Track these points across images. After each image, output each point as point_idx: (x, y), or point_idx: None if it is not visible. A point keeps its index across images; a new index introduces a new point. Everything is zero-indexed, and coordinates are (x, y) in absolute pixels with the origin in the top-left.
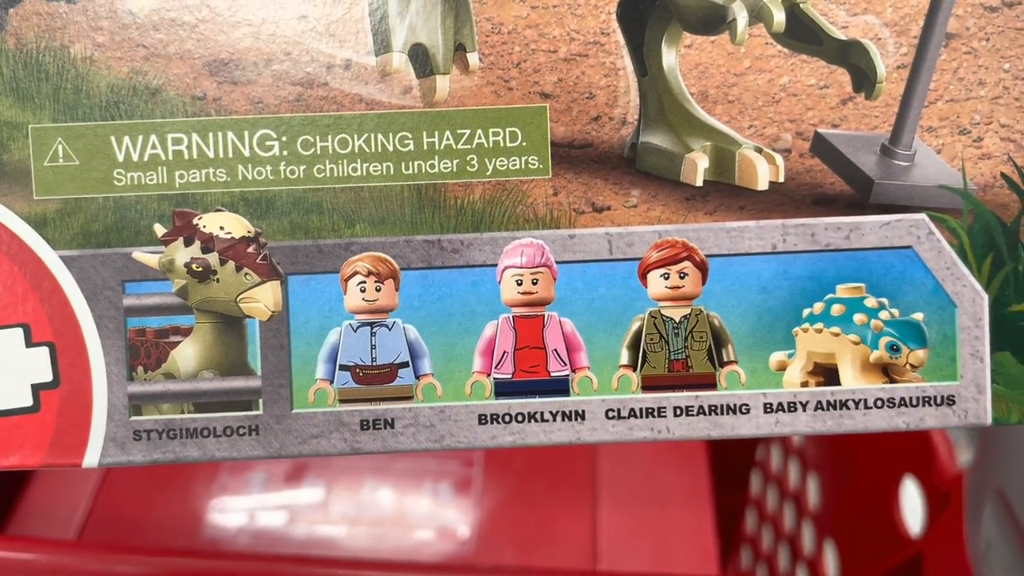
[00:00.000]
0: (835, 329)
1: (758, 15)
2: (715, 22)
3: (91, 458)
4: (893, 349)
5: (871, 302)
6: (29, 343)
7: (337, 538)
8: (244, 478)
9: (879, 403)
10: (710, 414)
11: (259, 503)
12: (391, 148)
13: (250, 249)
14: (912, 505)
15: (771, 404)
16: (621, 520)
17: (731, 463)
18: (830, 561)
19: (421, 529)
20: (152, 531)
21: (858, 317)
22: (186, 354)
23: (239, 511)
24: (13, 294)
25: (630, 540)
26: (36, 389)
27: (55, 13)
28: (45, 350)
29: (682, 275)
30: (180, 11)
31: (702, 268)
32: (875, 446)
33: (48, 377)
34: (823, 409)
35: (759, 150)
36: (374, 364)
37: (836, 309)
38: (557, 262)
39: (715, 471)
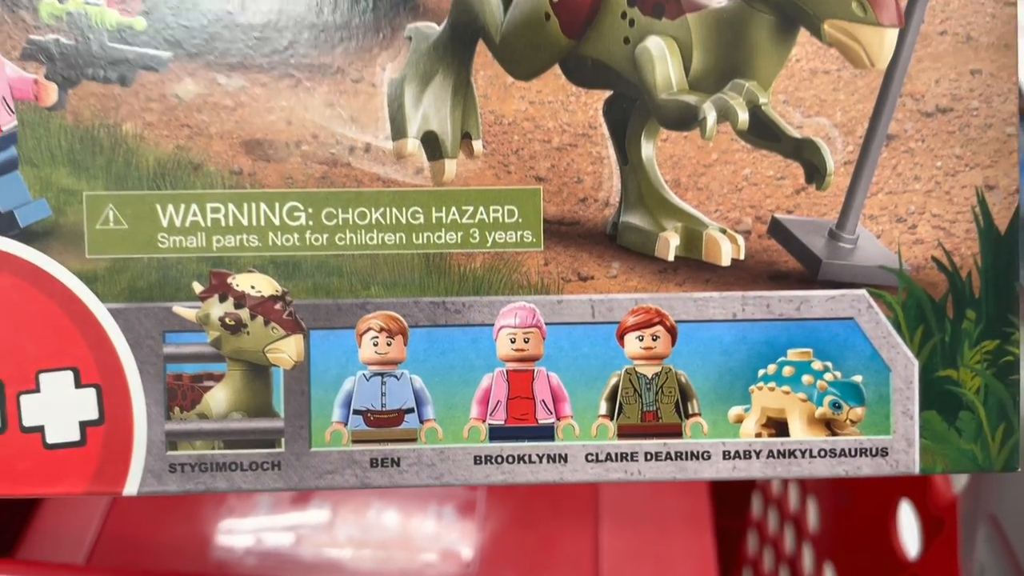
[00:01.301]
0: (786, 388)
1: (725, 115)
2: (688, 120)
3: (131, 487)
4: (835, 407)
5: (817, 365)
6: (78, 384)
7: (343, 560)
8: (251, 500)
9: (822, 453)
10: (676, 459)
11: (266, 525)
12: (404, 221)
13: (277, 306)
14: (909, 529)
15: (729, 451)
16: (622, 542)
17: (732, 486)
18: None
19: (425, 552)
20: (161, 554)
21: (806, 378)
22: (218, 397)
23: (246, 533)
24: (65, 341)
25: (631, 562)
26: (83, 425)
27: (110, 94)
28: (92, 391)
29: (655, 337)
30: (221, 96)
31: (672, 332)
32: None
33: (94, 415)
34: (774, 457)
35: (723, 231)
36: (384, 409)
37: (787, 370)
38: (546, 323)
39: (716, 494)
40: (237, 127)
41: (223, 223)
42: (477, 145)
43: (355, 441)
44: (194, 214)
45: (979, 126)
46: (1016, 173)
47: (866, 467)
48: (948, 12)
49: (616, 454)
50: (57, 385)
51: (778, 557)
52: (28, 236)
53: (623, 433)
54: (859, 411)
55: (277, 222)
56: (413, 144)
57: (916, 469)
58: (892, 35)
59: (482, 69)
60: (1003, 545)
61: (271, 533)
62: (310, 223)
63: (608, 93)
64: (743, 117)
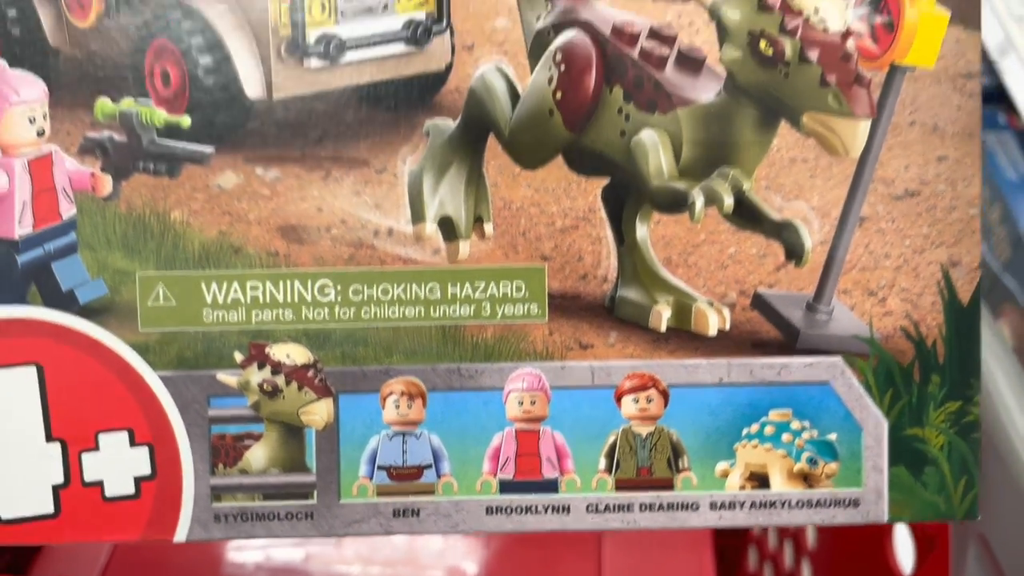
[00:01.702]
0: (767, 445)
1: (712, 199)
2: (679, 204)
3: (180, 535)
4: (812, 462)
5: (796, 425)
6: (133, 444)
7: None
8: None
9: (800, 504)
10: (669, 510)
11: (276, 541)
12: (422, 296)
13: (309, 373)
14: (903, 546)
15: (716, 503)
16: (625, 560)
17: None
18: None
19: (432, 569)
20: (173, 571)
21: (785, 436)
22: (257, 455)
23: (256, 549)
24: (121, 405)
25: None
26: (138, 480)
27: (159, 185)
28: (145, 450)
29: (649, 400)
30: (259, 186)
31: (664, 395)
32: None
33: (147, 471)
34: (756, 507)
35: (711, 304)
36: (405, 465)
37: (769, 430)
38: (551, 387)
39: None
40: (273, 214)
41: (261, 299)
42: (488, 228)
43: (379, 494)
44: (235, 291)
45: (944, 208)
46: (978, 251)
47: (840, 516)
48: (917, 104)
49: (614, 505)
50: (114, 444)
51: (777, 573)
52: (87, 312)
53: (620, 486)
54: (833, 466)
55: (309, 298)
56: (431, 228)
57: (885, 519)
58: (865, 126)
59: (493, 160)
60: (992, 564)
61: (281, 549)
62: (339, 298)
63: (606, 180)
64: (728, 202)
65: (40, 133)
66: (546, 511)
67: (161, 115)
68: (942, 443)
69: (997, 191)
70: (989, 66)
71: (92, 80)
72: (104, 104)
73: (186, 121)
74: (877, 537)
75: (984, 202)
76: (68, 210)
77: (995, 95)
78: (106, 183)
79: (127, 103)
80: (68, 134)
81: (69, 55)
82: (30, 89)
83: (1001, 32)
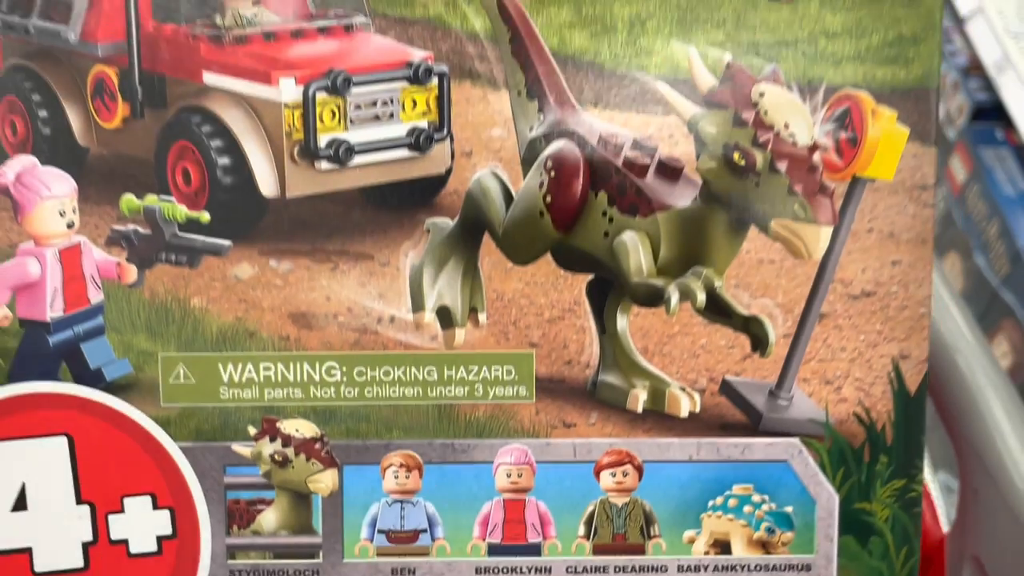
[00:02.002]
0: (730, 516)
1: (686, 295)
2: (655, 299)
3: None
4: (770, 531)
5: (756, 498)
6: (155, 507)
7: None
8: None
9: (758, 568)
10: (640, 572)
11: None
12: (420, 378)
13: (317, 446)
14: None
15: (683, 566)
16: None
17: None
18: None
19: None
20: None
21: (747, 508)
22: (268, 518)
23: None
24: (144, 472)
25: None
26: (160, 539)
27: (180, 274)
28: (167, 512)
29: (625, 474)
30: (272, 277)
31: (639, 470)
32: None
33: (169, 531)
34: (719, 571)
35: (683, 389)
36: (402, 530)
37: (732, 502)
38: (536, 461)
39: None
40: (285, 302)
41: (273, 379)
42: (482, 317)
43: (379, 554)
44: (249, 371)
45: (897, 307)
46: (926, 345)
47: None
48: (875, 213)
49: (591, 567)
50: (138, 507)
51: None
52: (114, 388)
53: (597, 551)
54: (789, 535)
55: (317, 378)
56: (430, 316)
57: None
58: (827, 232)
59: (487, 256)
60: None
61: None
62: (344, 379)
63: (590, 276)
64: (701, 298)
65: (70, 225)
66: (530, 572)
67: (182, 211)
68: (887, 516)
69: (995, 207)
70: (987, 82)
71: (118, 177)
72: (129, 200)
73: (205, 216)
74: None
75: (982, 218)
76: (96, 296)
77: (993, 111)
78: (131, 272)
79: (151, 199)
80: (96, 227)
81: (97, 154)
82: (61, 185)
83: (999, 49)
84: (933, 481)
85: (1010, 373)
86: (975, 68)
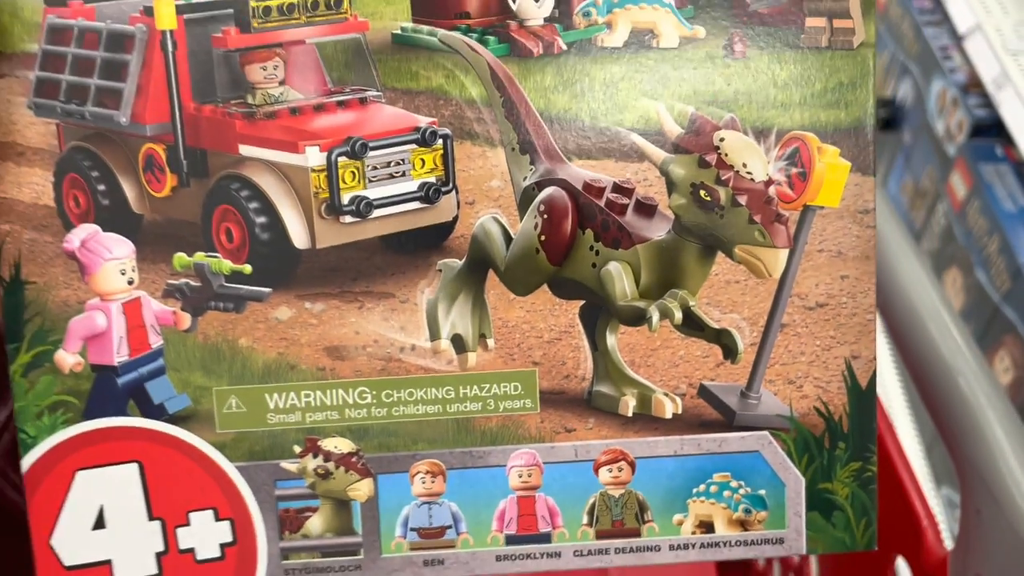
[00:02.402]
0: (712, 500)
1: (665, 314)
2: (639, 319)
3: None
4: (747, 511)
5: (734, 484)
6: (217, 519)
7: None
8: None
9: (739, 543)
10: (637, 551)
11: None
12: (440, 396)
13: (353, 459)
14: None
15: (673, 544)
16: None
17: None
18: None
19: None
20: None
21: (726, 493)
22: (315, 523)
23: None
24: (206, 490)
25: None
26: (223, 547)
27: (228, 319)
28: (227, 523)
29: (620, 469)
30: (308, 317)
31: (632, 465)
32: None
33: (230, 539)
34: (705, 547)
35: (667, 395)
36: (431, 527)
37: (713, 488)
38: (543, 463)
39: None
40: (320, 337)
41: (313, 404)
42: (491, 342)
43: (412, 549)
44: (292, 399)
45: (847, 315)
46: (874, 347)
47: (768, 551)
48: (825, 235)
49: (595, 550)
50: (202, 520)
51: None
52: (175, 420)
53: (599, 536)
54: (764, 514)
55: (351, 401)
56: (445, 344)
57: (804, 551)
58: (784, 254)
59: (492, 289)
60: None
61: None
62: (374, 401)
63: (582, 302)
64: (678, 315)
65: (130, 282)
66: (542, 556)
67: (227, 265)
68: (847, 493)
69: (996, 223)
70: (986, 99)
71: (170, 239)
72: (181, 257)
73: (248, 268)
74: (878, 573)
75: (983, 234)
76: (156, 341)
77: (992, 128)
78: (186, 319)
79: (199, 256)
80: (153, 282)
81: (150, 220)
82: (120, 248)
83: (997, 66)
84: (936, 496)
85: (1012, 388)
86: (974, 85)
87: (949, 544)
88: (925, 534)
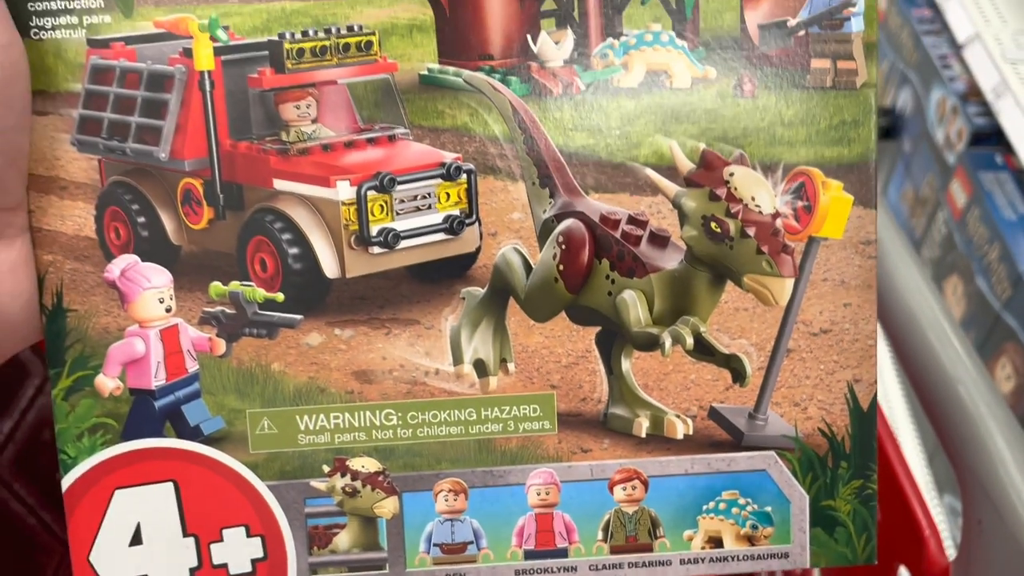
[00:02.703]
0: (721, 517)
1: (678, 340)
2: (652, 345)
3: None
4: (754, 528)
5: (742, 501)
6: (248, 535)
7: None
8: None
9: (746, 558)
10: (650, 566)
11: None
12: (462, 418)
13: (380, 478)
14: None
15: (684, 559)
16: None
17: None
18: None
19: None
20: None
21: (734, 510)
22: (343, 539)
23: None
24: (238, 507)
25: None
26: (254, 562)
27: (261, 345)
28: (258, 539)
29: (633, 488)
30: (337, 343)
31: (645, 484)
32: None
33: (261, 555)
34: (714, 561)
35: (678, 416)
36: (453, 543)
37: (722, 505)
38: (561, 481)
39: None
40: (349, 362)
41: (342, 425)
42: (511, 366)
43: (435, 564)
44: (322, 421)
45: (849, 340)
46: (874, 371)
47: (774, 565)
48: (829, 265)
49: (609, 564)
50: (235, 536)
51: None
52: (210, 441)
53: (614, 551)
54: (769, 530)
55: (378, 423)
56: (468, 368)
57: (808, 565)
58: (790, 283)
59: (513, 316)
60: None
61: None
62: (400, 423)
63: (598, 328)
64: (690, 341)
65: (168, 310)
66: (559, 571)
67: (261, 293)
68: (849, 510)
69: (996, 230)
70: (985, 108)
71: (206, 268)
72: (216, 286)
73: (280, 297)
74: None
75: (983, 242)
76: (192, 366)
77: (992, 136)
78: (221, 345)
79: (234, 285)
80: (190, 310)
81: (188, 250)
82: (159, 277)
83: (997, 75)
84: (939, 504)
85: (1014, 396)
86: (973, 94)
87: (951, 553)
88: (927, 544)
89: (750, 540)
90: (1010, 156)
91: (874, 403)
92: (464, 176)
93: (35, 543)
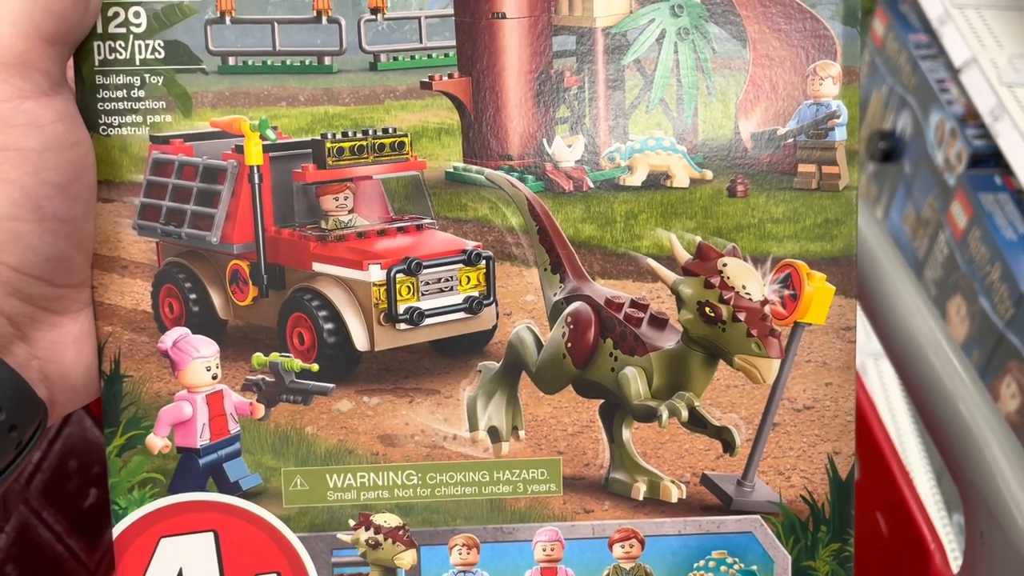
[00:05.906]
0: (711, 575)
1: (674, 413)
2: (651, 417)
3: None
4: None
5: (730, 560)
6: None
7: None
8: None
9: None
10: None
11: None
12: (476, 479)
13: (400, 532)
14: None
15: None
16: None
17: None
18: None
19: None
20: None
21: (723, 568)
22: None
23: None
24: (272, 557)
25: None
26: None
27: (296, 410)
28: None
29: (631, 546)
30: (365, 410)
31: (642, 542)
32: (882, 553)
33: None
34: None
35: (673, 482)
36: None
37: (711, 564)
38: (565, 539)
39: None
40: (375, 427)
41: (367, 484)
42: (522, 434)
43: None
44: (349, 479)
45: (830, 416)
46: (853, 443)
47: None
48: (812, 348)
49: None
50: None
51: None
52: (248, 495)
53: None
54: None
55: (400, 482)
56: (482, 434)
57: None
58: (776, 363)
59: (524, 388)
60: None
61: None
62: (420, 482)
63: (602, 401)
64: (685, 414)
65: (214, 377)
66: None
67: (298, 363)
68: (827, 571)
69: (997, 251)
70: (984, 130)
71: (250, 341)
72: (258, 356)
73: (315, 367)
74: None
75: (985, 262)
76: (234, 428)
77: (991, 158)
78: (260, 410)
79: (274, 356)
80: (233, 377)
81: (233, 324)
82: (207, 348)
83: (994, 98)
84: (949, 523)
85: (1019, 414)
86: (971, 116)
87: (955, 568)
88: (932, 558)
89: None
90: (1009, 177)
91: (852, 473)
92: (483, 262)
93: (63, 569)
